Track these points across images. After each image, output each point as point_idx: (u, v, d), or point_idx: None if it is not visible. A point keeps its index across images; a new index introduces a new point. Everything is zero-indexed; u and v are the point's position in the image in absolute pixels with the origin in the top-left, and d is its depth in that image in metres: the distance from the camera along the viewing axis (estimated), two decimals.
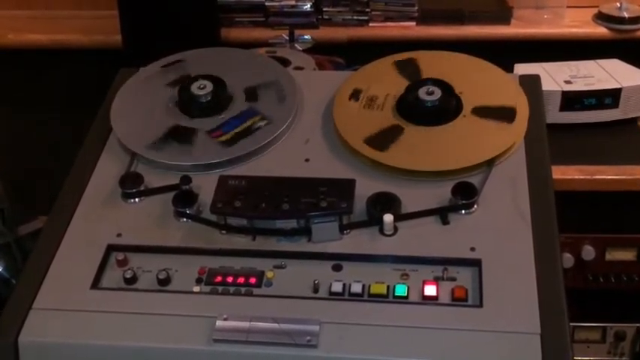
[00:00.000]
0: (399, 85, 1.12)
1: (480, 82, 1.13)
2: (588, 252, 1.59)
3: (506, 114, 1.07)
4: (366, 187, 0.99)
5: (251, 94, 1.13)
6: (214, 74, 1.14)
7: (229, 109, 1.12)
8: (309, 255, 0.95)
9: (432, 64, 1.16)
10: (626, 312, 1.68)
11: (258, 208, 0.96)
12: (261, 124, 1.09)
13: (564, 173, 1.51)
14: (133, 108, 1.15)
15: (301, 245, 0.96)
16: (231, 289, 0.92)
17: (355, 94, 1.12)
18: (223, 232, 0.98)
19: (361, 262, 0.94)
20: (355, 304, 0.89)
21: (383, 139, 1.05)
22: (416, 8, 1.96)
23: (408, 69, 1.15)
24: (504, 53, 1.36)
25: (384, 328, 0.86)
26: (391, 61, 1.18)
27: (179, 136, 1.09)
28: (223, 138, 1.08)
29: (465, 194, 0.97)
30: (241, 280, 0.93)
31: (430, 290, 0.90)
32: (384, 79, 1.15)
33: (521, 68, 1.64)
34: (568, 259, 1.60)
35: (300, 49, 1.75)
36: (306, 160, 1.06)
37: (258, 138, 1.07)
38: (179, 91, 1.13)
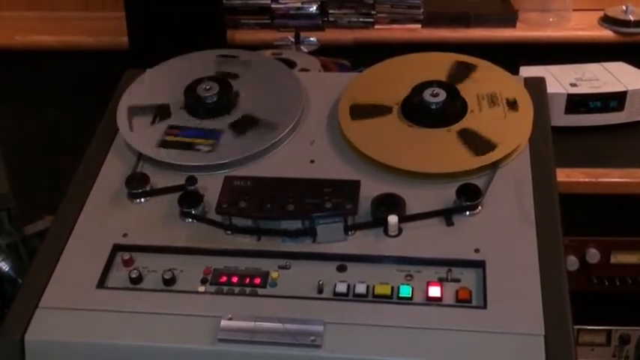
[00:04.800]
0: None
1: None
2: (593, 255, 1.59)
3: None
4: (370, 189, 0.99)
5: (244, 124, 1.10)
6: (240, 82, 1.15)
7: (219, 119, 1.11)
8: (313, 256, 0.95)
9: None
10: (631, 315, 1.68)
11: (263, 208, 0.96)
12: (205, 148, 1.07)
13: (569, 176, 1.51)
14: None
15: (306, 246, 0.96)
16: (236, 289, 0.93)
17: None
18: (228, 232, 0.98)
19: (366, 263, 0.94)
20: (359, 305, 0.90)
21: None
22: (421, 11, 1.97)
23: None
24: (510, 56, 1.37)
25: (388, 329, 0.87)
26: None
27: (160, 114, 1.11)
28: (168, 138, 1.09)
29: (470, 196, 0.97)
30: (246, 280, 0.93)
31: (434, 291, 0.90)
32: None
33: (527, 71, 1.64)
34: (573, 262, 1.60)
35: (306, 50, 1.76)
36: (312, 161, 1.07)
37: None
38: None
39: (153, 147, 1.08)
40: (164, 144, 1.08)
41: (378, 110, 1.11)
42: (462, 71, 1.15)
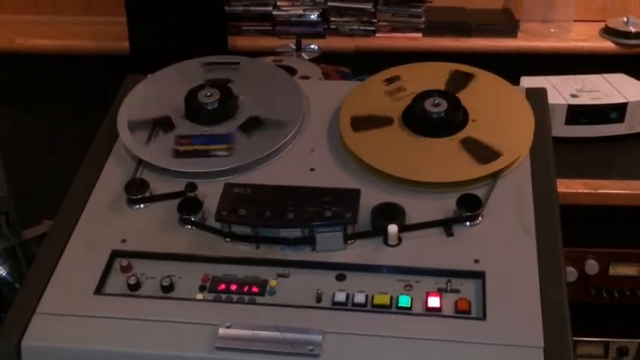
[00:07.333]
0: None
1: (496, 110, 1.12)
2: (592, 266, 1.59)
3: (487, 155, 1.04)
4: (370, 198, 0.99)
5: (251, 125, 1.11)
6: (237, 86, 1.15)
7: (225, 124, 1.11)
8: (312, 264, 0.95)
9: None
10: (629, 327, 1.68)
11: (262, 216, 0.96)
12: (222, 153, 1.07)
13: (569, 187, 1.51)
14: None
15: (305, 254, 0.96)
16: (235, 297, 0.92)
17: (392, 80, 1.14)
18: (227, 239, 0.98)
19: (365, 273, 0.94)
20: (358, 315, 0.89)
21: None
22: (423, 20, 1.97)
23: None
24: (510, 66, 1.37)
25: (386, 339, 0.86)
26: (449, 69, 1.18)
27: (161, 126, 1.09)
28: (182, 148, 1.08)
29: (470, 206, 0.97)
30: (245, 288, 0.93)
31: (433, 302, 0.90)
32: (425, 80, 1.14)
33: (528, 81, 1.65)
34: (571, 273, 1.60)
35: (307, 58, 1.76)
36: (312, 169, 1.06)
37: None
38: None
39: (153, 153, 1.08)
40: (178, 154, 1.07)
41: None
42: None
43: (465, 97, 1.11)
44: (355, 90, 1.16)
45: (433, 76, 1.16)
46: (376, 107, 1.12)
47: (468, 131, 1.07)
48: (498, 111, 1.10)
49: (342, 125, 1.10)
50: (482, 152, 1.04)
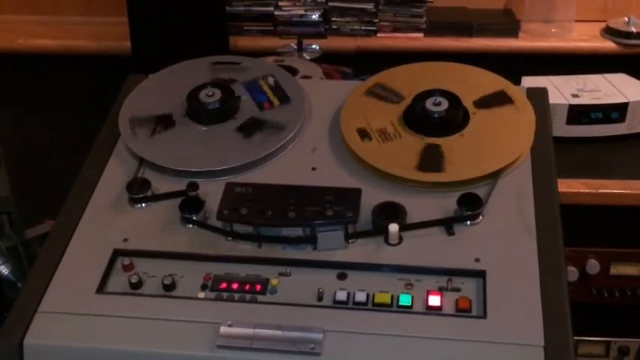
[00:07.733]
0: (391, 110, 1.12)
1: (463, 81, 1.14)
2: (593, 266, 1.60)
3: (505, 98, 1.09)
4: (371, 197, 0.99)
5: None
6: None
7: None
8: (314, 263, 0.95)
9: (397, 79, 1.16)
10: (630, 327, 1.68)
11: (264, 215, 0.96)
12: (273, 79, 1.15)
13: (570, 187, 1.52)
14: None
15: (306, 253, 0.96)
16: (236, 295, 0.93)
17: (365, 134, 1.09)
18: (229, 238, 0.98)
19: (366, 272, 0.94)
20: (359, 313, 0.89)
21: (431, 160, 1.04)
22: (424, 20, 1.97)
23: (384, 93, 1.15)
24: (512, 66, 1.37)
25: (387, 338, 0.86)
26: (362, 92, 1.16)
27: (250, 128, 1.10)
28: (275, 102, 1.12)
29: (471, 205, 0.97)
30: (246, 287, 0.93)
31: (434, 300, 0.90)
32: (373, 111, 1.13)
33: (529, 81, 1.65)
34: (572, 273, 1.60)
35: (308, 58, 1.76)
36: (313, 168, 1.07)
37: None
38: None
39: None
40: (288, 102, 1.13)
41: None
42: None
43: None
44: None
45: (364, 104, 1.14)
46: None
47: (470, 99, 1.10)
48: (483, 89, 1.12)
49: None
50: (497, 99, 1.08)
